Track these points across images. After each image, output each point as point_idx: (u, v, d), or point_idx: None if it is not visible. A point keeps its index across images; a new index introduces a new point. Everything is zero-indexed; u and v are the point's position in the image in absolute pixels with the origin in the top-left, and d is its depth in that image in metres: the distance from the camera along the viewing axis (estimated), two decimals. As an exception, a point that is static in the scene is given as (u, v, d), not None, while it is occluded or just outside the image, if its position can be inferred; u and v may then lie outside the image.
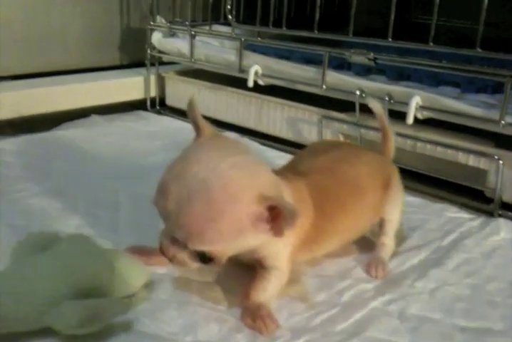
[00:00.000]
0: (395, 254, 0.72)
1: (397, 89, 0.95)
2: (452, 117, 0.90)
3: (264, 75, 1.14)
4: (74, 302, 0.52)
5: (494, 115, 0.84)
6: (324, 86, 1.04)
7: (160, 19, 1.34)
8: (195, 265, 0.55)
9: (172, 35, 1.33)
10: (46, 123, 1.19)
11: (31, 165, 0.97)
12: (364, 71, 1.04)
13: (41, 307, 0.51)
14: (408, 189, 0.80)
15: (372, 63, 0.98)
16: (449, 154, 0.92)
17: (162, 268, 0.65)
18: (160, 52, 1.35)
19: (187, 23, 1.29)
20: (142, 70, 1.38)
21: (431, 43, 0.90)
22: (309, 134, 1.12)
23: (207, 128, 0.58)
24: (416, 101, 0.91)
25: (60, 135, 1.14)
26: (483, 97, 0.90)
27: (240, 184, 0.52)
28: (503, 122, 0.83)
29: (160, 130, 1.22)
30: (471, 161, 0.90)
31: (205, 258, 0.54)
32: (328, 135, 1.08)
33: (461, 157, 0.91)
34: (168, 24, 1.32)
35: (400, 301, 0.63)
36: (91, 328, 0.51)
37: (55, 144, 1.08)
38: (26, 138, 1.10)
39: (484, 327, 0.59)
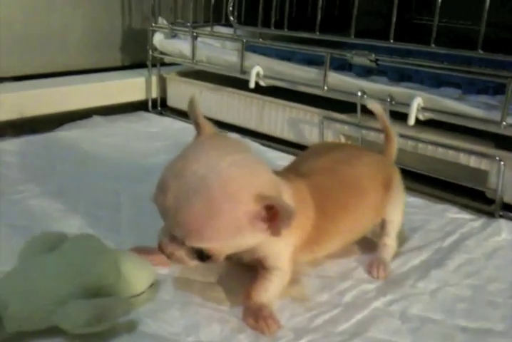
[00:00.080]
0: (396, 255, 0.72)
1: (398, 90, 0.95)
2: (453, 118, 0.90)
3: (265, 76, 1.14)
4: (81, 301, 0.52)
5: (495, 116, 0.84)
6: (325, 87, 1.04)
7: (161, 20, 1.34)
8: (193, 263, 0.56)
9: (174, 36, 1.34)
10: (48, 124, 1.19)
11: (32, 166, 0.97)
12: (365, 72, 1.05)
13: (47, 307, 0.52)
14: (409, 189, 0.80)
15: (374, 65, 0.98)
16: (450, 155, 0.92)
17: (164, 269, 0.65)
18: (161, 53, 1.35)
19: (188, 24, 1.30)
20: (144, 71, 1.39)
21: (433, 45, 0.90)
22: (310, 135, 1.12)
23: (208, 127, 0.59)
24: (418, 102, 0.91)
25: (62, 136, 1.14)
26: (484, 99, 0.90)
27: (239, 182, 0.52)
28: (504, 123, 0.83)
29: (162, 131, 1.22)
30: (472, 162, 0.90)
31: (202, 255, 0.54)
32: (329, 136, 1.08)
33: (462, 158, 0.91)
34: (170, 25, 1.32)
35: (401, 301, 0.63)
36: (98, 327, 0.52)
37: (56, 145, 1.08)
38: (28, 139, 1.11)
39: (485, 327, 0.59)
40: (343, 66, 1.08)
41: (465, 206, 0.89)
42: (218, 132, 0.60)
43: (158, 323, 0.57)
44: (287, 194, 0.58)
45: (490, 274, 0.69)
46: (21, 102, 1.18)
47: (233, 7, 1.23)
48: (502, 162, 0.86)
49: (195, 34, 1.26)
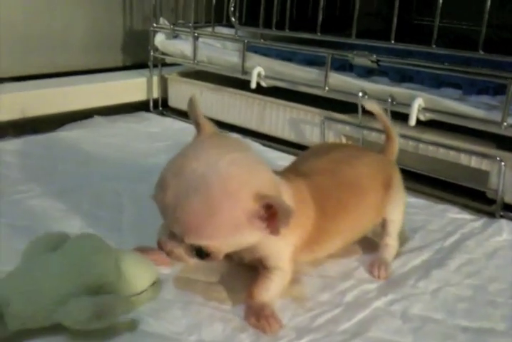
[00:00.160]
0: (397, 255, 0.72)
1: (399, 91, 0.95)
2: (454, 118, 0.90)
3: (266, 77, 1.14)
4: (82, 298, 0.53)
5: (496, 116, 0.84)
6: (326, 88, 1.04)
7: (163, 21, 1.34)
8: (192, 260, 0.56)
9: (175, 37, 1.34)
10: (49, 124, 1.19)
11: (33, 166, 0.97)
12: (366, 73, 1.05)
13: (49, 306, 0.52)
14: (410, 190, 0.80)
15: (375, 65, 0.99)
16: (451, 155, 0.93)
17: (166, 269, 0.65)
18: (162, 53, 1.35)
19: (190, 24, 1.30)
20: (145, 71, 1.39)
21: (434, 45, 0.90)
22: (311, 135, 1.12)
23: (208, 126, 0.59)
24: (419, 103, 0.91)
25: (63, 136, 1.14)
26: (484, 99, 0.91)
27: (239, 181, 0.52)
28: (504, 123, 0.83)
29: (163, 131, 1.22)
30: (473, 162, 0.90)
31: (201, 253, 0.54)
32: (330, 137, 1.08)
33: (463, 159, 0.91)
34: (171, 26, 1.32)
35: (402, 301, 0.63)
36: (99, 323, 0.52)
37: (57, 145, 1.08)
38: (29, 139, 1.11)
39: (486, 327, 0.59)
40: (344, 67, 1.08)
41: (466, 207, 0.89)
42: (218, 131, 0.60)
43: (160, 322, 0.57)
44: (287, 194, 0.58)
45: (490, 274, 0.70)
46: (23, 102, 1.19)
47: (234, 8, 1.24)
48: (503, 163, 0.86)
49: (196, 35, 1.26)
